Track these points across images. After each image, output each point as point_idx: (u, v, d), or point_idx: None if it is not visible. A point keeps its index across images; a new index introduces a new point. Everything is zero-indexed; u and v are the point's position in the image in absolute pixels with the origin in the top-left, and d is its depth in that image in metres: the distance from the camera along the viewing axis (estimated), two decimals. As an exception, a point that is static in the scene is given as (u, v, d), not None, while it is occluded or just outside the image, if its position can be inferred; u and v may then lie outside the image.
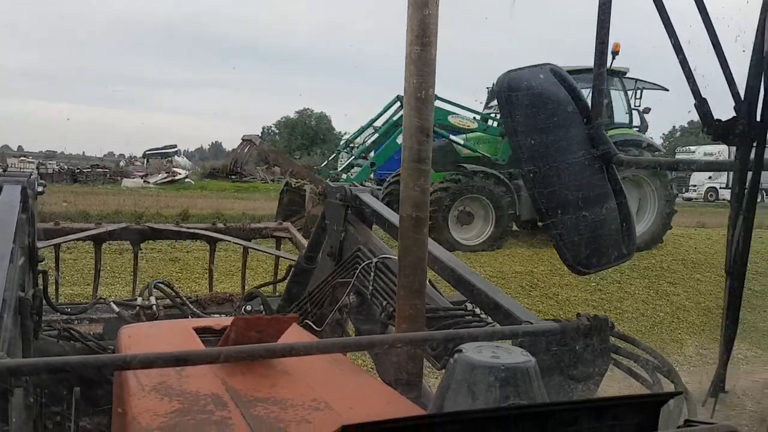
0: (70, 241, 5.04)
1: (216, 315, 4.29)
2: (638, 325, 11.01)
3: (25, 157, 41.44)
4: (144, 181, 33.97)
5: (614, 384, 2.32)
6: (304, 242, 4.73)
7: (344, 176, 16.18)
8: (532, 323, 2.26)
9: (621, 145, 14.20)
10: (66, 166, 37.74)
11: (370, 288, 3.02)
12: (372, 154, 16.26)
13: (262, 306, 4.18)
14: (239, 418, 1.60)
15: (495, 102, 15.41)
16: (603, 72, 2.32)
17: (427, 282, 2.33)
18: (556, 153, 2.32)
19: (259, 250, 5.76)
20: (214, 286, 5.97)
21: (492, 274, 12.13)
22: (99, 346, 3.35)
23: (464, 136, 15.76)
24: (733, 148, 2.01)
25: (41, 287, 3.31)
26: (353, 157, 17.22)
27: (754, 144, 1.88)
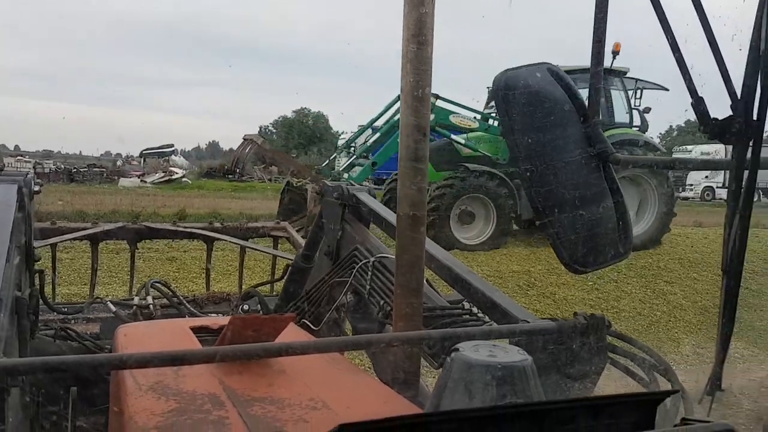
0: (66, 240, 5.02)
1: (213, 314, 4.28)
2: (635, 324, 11.02)
3: (21, 156, 41.35)
4: (141, 181, 33.91)
5: (611, 383, 2.32)
6: (302, 241, 4.73)
7: (345, 175, 16.20)
8: (529, 322, 2.26)
9: (621, 145, 14.25)
10: (63, 166, 37.69)
11: (368, 287, 3.01)
12: (371, 154, 16.27)
13: (259, 305, 4.18)
14: (236, 417, 1.59)
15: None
16: (600, 71, 2.33)
17: (425, 281, 2.33)
18: (552, 152, 2.32)
19: (256, 249, 5.75)
20: (211, 286, 5.95)
21: (489, 273, 12.14)
22: (96, 346, 3.34)
23: (465, 135, 15.79)
24: (730, 148, 2.01)
25: (38, 287, 3.30)
26: (354, 156, 17.24)
27: (751, 143, 1.89)
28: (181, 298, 4.33)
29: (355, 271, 3.14)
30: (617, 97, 15.90)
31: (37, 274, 3.36)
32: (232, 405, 1.66)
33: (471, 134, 15.84)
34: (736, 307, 2.08)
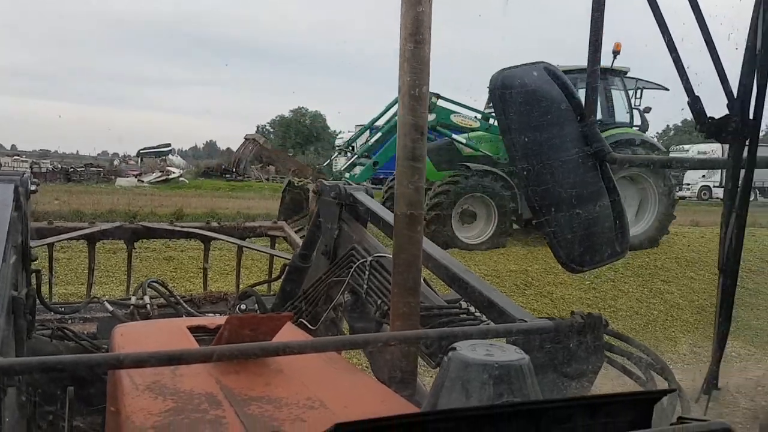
0: (63, 240, 5.02)
1: (210, 314, 4.28)
2: (632, 324, 11.03)
3: (18, 156, 41.32)
4: (138, 180, 33.88)
5: (608, 382, 2.32)
6: (299, 241, 4.72)
7: (347, 175, 16.22)
8: (526, 321, 2.26)
9: (622, 145, 14.30)
10: (60, 165, 37.63)
11: (365, 286, 3.01)
12: (373, 154, 16.27)
13: (256, 305, 4.18)
14: (233, 416, 1.59)
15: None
16: (596, 70, 2.33)
17: (422, 280, 2.33)
18: (549, 151, 2.33)
19: (253, 249, 5.74)
20: (209, 285, 5.95)
21: (486, 272, 12.14)
22: (93, 346, 3.33)
23: (466, 135, 15.81)
24: (727, 147, 2.01)
25: (35, 286, 3.30)
26: (356, 156, 17.25)
27: (747, 141, 1.89)
28: (178, 297, 4.32)
29: (352, 270, 3.14)
30: (618, 97, 15.92)
31: (33, 274, 3.35)
32: (229, 404, 1.66)
33: (472, 134, 15.86)
34: (732, 306, 2.09)
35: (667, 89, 16.33)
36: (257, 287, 4.90)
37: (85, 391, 2.40)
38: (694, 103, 1.99)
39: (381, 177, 21.16)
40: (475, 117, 16.12)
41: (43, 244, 4.70)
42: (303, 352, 1.75)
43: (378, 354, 2.82)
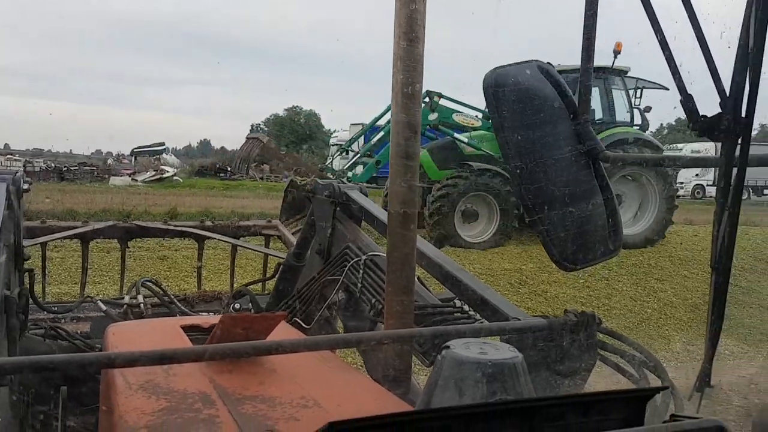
0: (56, 239, 5.00)
1: (204, 313, 4.27)
2: (626, 322, 11.06)
3: (11, 155, 41.11)
4: (132, 179, 33.75)
5: (601, 379, 2.33)
6: (293, 240, 4.72)
7: (349, 174, 16.24)
8: (520, 319, 2.26)
9: (622, 144, 14.37)
10: (53, 164, 37.47)
11: (359, 285, 3.01)
12: (375, 153, 16.31)
13: (250, 304, 4.17)
14: (227, 416, 1.59)
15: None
16: (589, 68, 2.33)
17: (416, 279, 2.33)
18: (542, 149, 2.33)
19: (247, 248, 5.74)
20: (203, 285, 5.94)
21: (481, 271, 12.15)
22: (86, 345, 3.33)
23: (468, 134, 15.86)
24: (720, 145, 2.02)
25: (27, 286, 3.29)
26: (358, 155, 17.28)
27: (739, 140, 1.89)
28: (172, 296, 4.31)
29: (346, 269, 3.14)
30: (618, 96, 16.01)
31: (26, 273, 3.34)
32: (223, 403, 1.65)
33: (474, 133, 15.92)
34: (725, 304, 2.09)
35: (667, 89, 16.39)
36: (251, 286, 4.90)
37: (79, 390, 2.39)
38: (687, 101, 1.99)
39: (376, 176, 21.22)
40: (477, 116, 16.18)
41: (36, 243, 4.68)
42: (296, 351, 1.75)
43: (372, 353, 2.82)
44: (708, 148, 31.12)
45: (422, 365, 2.43)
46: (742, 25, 1.87)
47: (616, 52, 14.54)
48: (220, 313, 3.68)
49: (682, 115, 2.08)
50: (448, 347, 1.48)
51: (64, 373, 2.14)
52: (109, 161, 46.88)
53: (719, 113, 1.92)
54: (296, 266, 3.96)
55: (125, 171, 38.12)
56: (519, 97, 2.34)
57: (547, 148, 2.33)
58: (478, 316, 2.54)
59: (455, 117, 15.93)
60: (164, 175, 35.10)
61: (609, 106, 15.66)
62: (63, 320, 3.86)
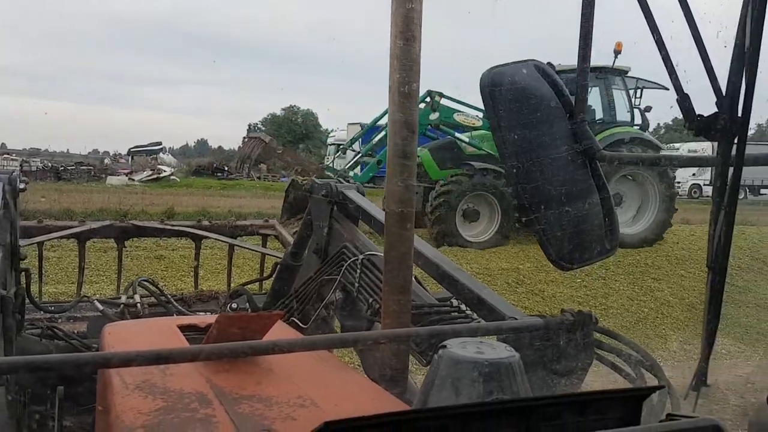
0: (53, 239, 4.99)
1: (201, 313, 4.27)
2: (623, 321, 11.08)
3: (8, 154, 41.02)
4: (129, 179, 33.71)
5: (598, 379, 2.33)
6: (290, 239, 4.71)
7: (351, 173, 16.25)
8: (516, 319, 2.26)
9: (622, 143, 14.41)
10: (50, 164, 37.41)
11: (356, 284, 3.01)
12: (376, 152, 16.32)
13: (247, 303, 4.17)
14: (224, 415, 1.59)
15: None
16: (586, 67, 2.33)
17: (413, 278, 2.33)
18: (539, 148, 2.33)
19: (244, 247, 5.73)
20: (200, 284, 5.94)
21: (479, 270, 12.16)
22: (82, 345, 3.32)
23: (469, 133, 15.89)
24: (716, 145, 2.02)
25: (24, 285, 3.28)
26: (359, 155, 17.30)
27: (736, 139, 1.90)
28: (169, 296, 4.31)
29: (343, 268, 3.14)
30: (618, 96, 16.05)
31: (23, 273, 3.34)
32: (220, 403, 1.65)
33: (475, 132, 15.98)
34: (721, 303, 2.10)
35: (667, 89, 16.36)
36: (248, 286, 4.89)
37: (75, 390, 2.39)
38: (683, 100, 1.99)
39: (384, 176, 21.23)
40: (478, 116, 16.21)
41: (33, 243, 4.67)
42: (292, 351, 1.74)
43: (369, 352, 2.82)
44: (705, 148, 31.17)
45: (419, 365, 2.43)
46: (739, 24, 1.87)
47: (617, 52, 14.62)
48: (217, 313, 3.68)
49: (679, 115, 2.08)
50: (444, 347, 1.48)
51: (60, 373, 2.14)
52: (106, 161, 46.84)
53: (715, 113, 1.93)
54: (293, 266, 3.96)
55: (122, 170, 38.08)
56: (515, 96, 2.35)
57: (544, 148, 2.33)
58: (475, 316, 2.54)
59: (456, 117, 15.98)
60: (161, 175, 35.06)
61: (609, 106, 15.71)
62: (59, 320, 3.85)
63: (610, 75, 15.60)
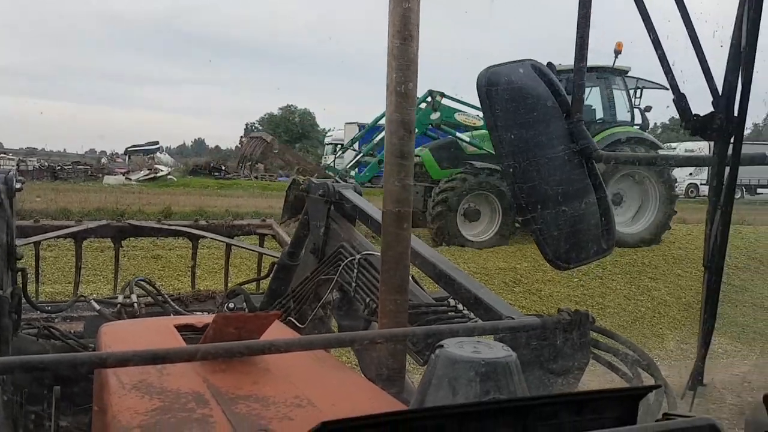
0: (50, 238, 4.99)
1: (198, 313, 4.26)
2: (620, 320, 11.09)
3: (5, 154, 40.92)
4: (126, 178, 33.63)
5: (595, 378, 2.33)
6: (287, 239, 4.71)
7: (352, 173, 16.26)
8: (513, 318, 2.26)
9: (623, 143, 14.46)
10: (47, 163, 37.31)
11: (353, 284, 3.01)
12: (377, 152, 16.34)
13: (244, 303, 4.17)
14: (220, 415, 1.59)
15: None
16: (582, 67, 2.33)
17: (410, 278, 2.33)
18: (536, 148, 2.33)
19: (241, 247, 5.73)
20: (197, 284, 5.93)
21: (476, 270, 12.16)
22: (79, 345, 3.32)
23: (470, 133, 15.92)
24: (713, 144, 2.03)
25: (20, 285, 3.28)
26: (361, 154, 17.32)
27: (732, 139, 1.90)
28: (166, 296, 4.31)
29: (341, 268, 3.14)
30: (619, 96, 16.09)
31: (19, 273, 3.33)
32: (217, 403, 1.65)
33: (476, 132, 16.00)
34: (717, 302, 2.10)
35: (667, 89, 16.41)
36: (245, 286, 4.89)
37: (72, 390, 2.38)
38: (680, 100, 2.00)
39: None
40: (479, 115, 16.24)
41: (29, 243, 4.67)
42: (289, 350, 1.74)
43: (366, 352, 2.82)
44: (702, 147, 31.19)
45: (416, 364, 2.43)
46: (735, 24, 1.88)
47: (617, 52, 14.64)
48: (215, 313, 3.68)
49: (676, 114, 2.09)
50: (441, 346, 1.48)
51: (57, 373, 2.14)
52: (102, 160, 46.71)
53: (712, 112, 1.93)
54: (290, 265, 3.96)
55: (119, 170, 37.99)
56: (512, 96, 2.35)
57: (541, 147, 2.34)
58: (472, 315, 2.54)
59: (457, 116, 16.03)
60: (158, 174, 34.98)
61: (610, 106, 15.76)
62: (56, 320, 3.85)
63: (611, 75, 15.65)
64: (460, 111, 16.14)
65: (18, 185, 3.40)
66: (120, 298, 4.11)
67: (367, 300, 2.86)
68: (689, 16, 1.94)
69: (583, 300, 11.67)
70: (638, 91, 16.28)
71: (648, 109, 16.36)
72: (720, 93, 1.90)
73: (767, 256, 15.27)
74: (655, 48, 2.00)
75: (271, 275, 4.30)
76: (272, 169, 36.63)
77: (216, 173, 37.07)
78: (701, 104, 1.95)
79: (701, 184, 37.16)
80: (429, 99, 15.58)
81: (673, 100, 2.01)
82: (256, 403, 1.67)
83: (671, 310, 11.95)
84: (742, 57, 1.83)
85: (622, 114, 16.03)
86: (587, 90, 15.61)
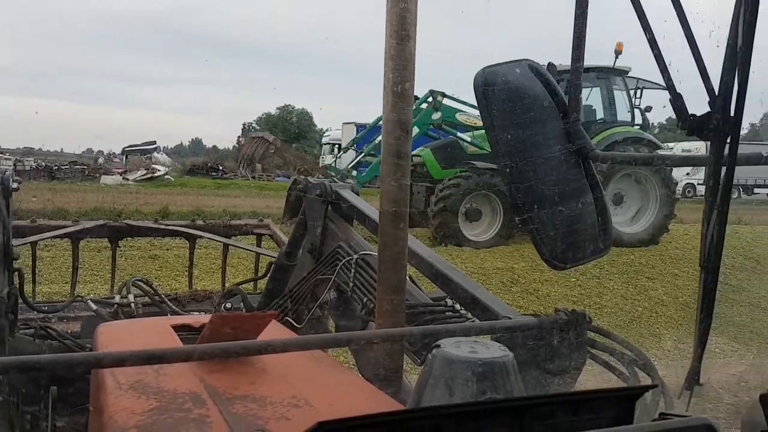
0: (46, 238, 4.98)
1: (195, 313, 4.26)
2: (617, 320, 11.10)
3: (2, 153, 40.82)
4: (123, 178, 33.58)
5: (592, 378, 2.33)
6: (285, 239, 4.71)
7: (353, 173, 16.26)
8: (510, 318, 2.27)
9: (623, 143, 14.47)
10: (43, 163, 37.24)
11: (351, 284, 3.01)
12: (378, 152, 16.34)
13: (242, 303, 4.16)
14: (217, 415, 1.58)
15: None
16: (579, 67, 2.33)
17: (407, 278, 2.34)
18: (532, 148, 2.33)
19: (239, 247, 5.73)
20: (194, 284, 5.93)
21: (473, 270, 12.16)
22: (76, 345, 3.31)
23: (471, 133, 15.93)
24: (709, 144, 2.03)
25: (17, 285, 3.27)
26: (362, 154, 17.32)
27: (728, 139, 1.90)
28: (163, 296, 4.30)
29: (338, 268, 3.14)
30: (619, 96, 16.12)
31: (15, 273, 3.32)
32: (213, 403, 1.65)
33: (477, 132, 15.99)
34: (714, 302, 2.10)
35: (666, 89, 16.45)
36: (243, 285, 4.89)
37: (68, 390, 2.38)
38: (676, 100, 2.00)
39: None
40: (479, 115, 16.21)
41: (26, 243, 4.66)
42: (286, 350, 1.74)
43: (363, 352, 2.82)
44: (699, 147, 31.23)
45: (413, 364, 2.43)
46: (731, 24, 1.88)
47: (617, 53, 14.66)
48: (212, 313, 3.67)
49: (673, 114, 2.09)
50: (438, 346, 1.49)
51: (53, 373, 2.13)
52: (99, 160, 46.60)
53: (708, 112, 1.93)
54: (288, 265, 3.95)
55: (116, 170, 37.92)
56: (509, 95, 2.35)
57: (537, 147, 2.34)
58: (469, 315, 2.54)
59: (458, 116, 16.06)
60: (155, 174, 34.93)
61: (610, 106, 15.79)
62: (53, 320, 3.84)
63: (611, 75, 15.66)
64: (461, 111, 16.17)
65: (15, 185, 3.39)
66: (117, 298, 4.10)
67: (365, 300, 2.86)
68: (686, 16, 1.94)
69: (580, 300, 11.69)
70: (638, 91, 16.32)
71: (648, 109, 16.39)
72: (716, 93, 1.90)
73: (764, 256, 15.29)
74: (651, 48, 2.00)
75: (268, 275, 4.30)
76: (270, 169, 36.63)
77: (213, 173, 37.03)
78: (698, 104, 1.96)
79: (698, 184, 37.19)
80: (430, 99, 15.60)
81: (670, 99, 2.02)
82: (253, 403, 1.67)
83: (668, 310, 11.97)
84: (738, 57, 1.84)
85: (623, 114, 16.06)
86: (588, 90, 15.66)
